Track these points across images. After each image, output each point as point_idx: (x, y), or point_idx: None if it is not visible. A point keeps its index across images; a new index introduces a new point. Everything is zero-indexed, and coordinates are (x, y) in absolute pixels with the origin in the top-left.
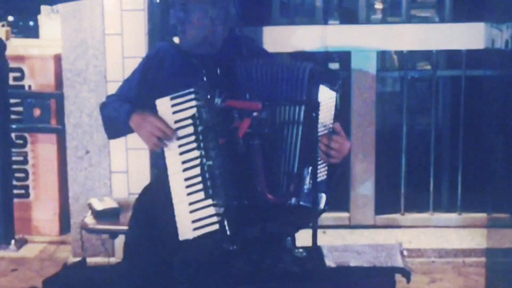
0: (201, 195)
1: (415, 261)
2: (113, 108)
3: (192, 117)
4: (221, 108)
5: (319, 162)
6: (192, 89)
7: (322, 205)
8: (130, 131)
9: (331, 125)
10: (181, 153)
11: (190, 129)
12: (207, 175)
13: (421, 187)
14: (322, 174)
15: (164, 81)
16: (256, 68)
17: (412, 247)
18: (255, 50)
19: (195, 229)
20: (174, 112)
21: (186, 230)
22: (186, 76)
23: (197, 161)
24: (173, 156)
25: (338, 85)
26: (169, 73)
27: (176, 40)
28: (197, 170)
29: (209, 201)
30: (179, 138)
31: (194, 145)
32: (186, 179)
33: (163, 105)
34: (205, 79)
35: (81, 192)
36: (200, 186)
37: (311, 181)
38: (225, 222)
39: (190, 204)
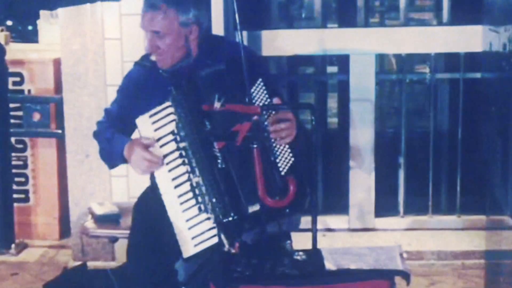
0: (196, 210)
1: (415, 263)
2: (105, 141)
3: (172, 132)
4: (206, 115)
5: (281, 150)
6: (168, 103)
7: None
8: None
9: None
10: (170, 170)
11: (173, 145)
12: (196, 191)
13: (420, 189)
14: (287, 161)
15: (142, 101)
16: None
17: (411, 249)
18: (233, 52)
19: (196, 245)
20: (156, 129)
21: (187, 247)
22: (161, 92)
23: (186, 177)
24: (162, 174)
25: (261, 69)
26: (146, 92)
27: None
28: (187, 186)
29: (204, 216)
30: (165, 156)
31: (180, 161)
32: (179, 196)
33: (143, 123)
34: (174, 92)
35: (81, 196)
36: (193, 202)
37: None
38: (222, 236)
39: (187, 220)
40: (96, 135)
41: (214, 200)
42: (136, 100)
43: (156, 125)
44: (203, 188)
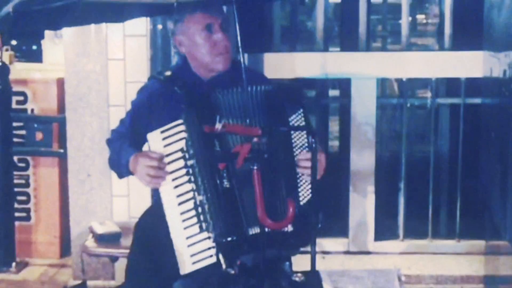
0: (197, 228)
1: (414, 287)
2: (114, 151)
3: (181, 150)
4: (217, 135)
5: (304, 181)
6: (180, 121)
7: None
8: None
9: (305, 143)
10: (175, 187)
11: (181, 163)
12: (200, 210)
13: (420, 213)
14: (307, 193)
15: (156, 116)
16: (232, 95)
17: (410, 273)
18: (250, 75)
19: (194, 262)
20: (165, 146)
21: (185, 264)
22: (175, 108)
23: (191, 195)
24: (167, 190)
25: (302, 100)
26: (160, 107)
27: (168, 73)
28: (191, 204)
29: (205, 234)
30: (172, 172)
31: (186, 178)
32: (182, 213)
33: (154, 138)
34: (186, 110)
35: (82, 216)
36: (195, 220)
37: (305, 203)
38: (220, 256)
39: (187, 238)
40: (108, 143)
41: (215, 219)
42: (149, 114)
43: (166, 141)
44: (206, 206)
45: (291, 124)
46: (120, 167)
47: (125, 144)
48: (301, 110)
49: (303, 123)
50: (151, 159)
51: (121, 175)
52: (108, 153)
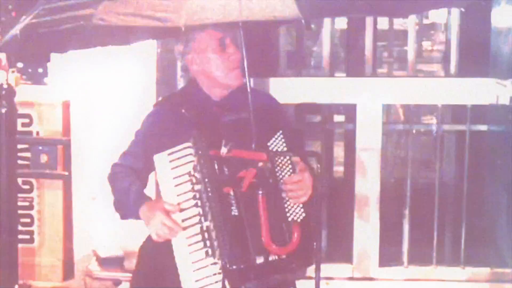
0: (202, 254)
1: None
2: (121, 191)
3: (189, 174)
4: (223, 159)
5: (292, 204)
6: (188, 144)
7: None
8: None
9: (290, 166)
10: (181, 211)
11: (188, 186)
12: (206, 235)
13: (425, 240)
14: (299, 214)
15: (163, 141)
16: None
17: None
18: (258, 97)
19: None
20: (173, 168)
21: None
22: (183, 131)
23: (197, 219)
24: (174, 214)
25: (281, 122)
26: (167, 131)
27: (174, 96)
28: (197, 229)
29: (210, 260)
30: (178, 195)
31: (192, 202)
32: (188, 238)
33: (161, 161)
34: (195, 134)
35: (85, 239)
36: (201, 245)
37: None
38: (226, 283)
39: (193, 263)
40: (111, 179)
41: (222, 246)
42: (158, 142)
43: (173, 164)
44: (213, 233)
45: (271, 147)
46: (127, 211)
47: (135, 186)
48: (280, 133)
49: (283, 146)
50: (169, 219)
51: (125, 217)
52: (111, 189)
